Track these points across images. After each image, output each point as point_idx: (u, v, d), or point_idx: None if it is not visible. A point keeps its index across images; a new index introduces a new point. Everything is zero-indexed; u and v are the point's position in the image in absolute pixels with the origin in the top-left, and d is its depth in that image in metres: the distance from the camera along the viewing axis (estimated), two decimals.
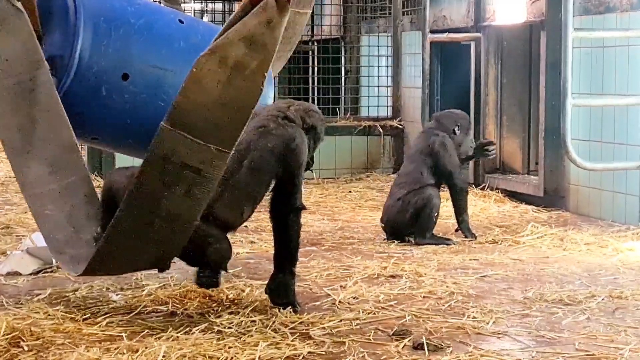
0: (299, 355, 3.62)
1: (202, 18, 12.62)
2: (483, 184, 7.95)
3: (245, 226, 4.78)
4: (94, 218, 4.23)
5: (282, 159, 4.17)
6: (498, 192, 7.69)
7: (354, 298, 4.48)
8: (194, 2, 13.91)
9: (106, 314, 4.12)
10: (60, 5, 4.67)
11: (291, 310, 4.15)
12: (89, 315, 4.11)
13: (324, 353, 3.67)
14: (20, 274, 4.86)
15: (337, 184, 8.83)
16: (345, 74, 11.19)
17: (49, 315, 4.12)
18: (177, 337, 3.79)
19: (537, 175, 7.64)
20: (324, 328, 3.96)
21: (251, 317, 4.05)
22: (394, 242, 5.98)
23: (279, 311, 4.13)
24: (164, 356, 3.54)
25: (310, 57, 11.94)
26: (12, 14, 4.17)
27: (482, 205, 7.29)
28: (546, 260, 5.46)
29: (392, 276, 4.97)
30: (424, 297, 4.55)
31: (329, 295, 4.55)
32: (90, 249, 4.03)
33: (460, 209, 6.12)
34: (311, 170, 5.25)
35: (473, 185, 7.85)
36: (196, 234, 3.97)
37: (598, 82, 6.81)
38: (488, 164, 8.09)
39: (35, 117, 4.20)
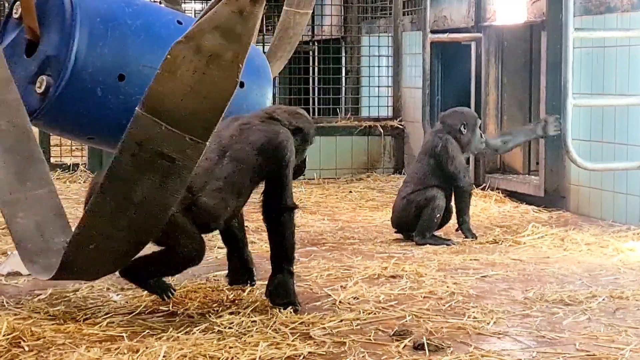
0: (300, 356, 3.62)
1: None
2: (484, 184, 7.95)
3: (246, 226, 4.78)
4: (62, 231, 4.26)
5: (264, 153, 4.17)
6: (499, 192, 7.69)
7: (354, 298, 4.48)
8: (195, 2, 13.91)
9: (107, 314, 4.12)
10: (57, 6, 4.67)
11: (292, 310, 4.15)
12: (90, 315, 4.11)
13: (324, 353, 3.67)
14: (21, 274, 4.85)
15: (338, 184, 8.83)
16: (346, 74, 11.19)
17: (50, 315, 4.12)
18: (178, 337, 3.79)
19: (537, 175, 7.63)
20: (324, 328, 3.96)
21: (252, 317, 4.05)
22: (395, 241, 5.99)
23: (279, 311, 4.13)
24: (164, 356, 3.54)
25: (311, 57, 11.94)
26: None
27: (482, 206, 7.29)
28: (547, 260, 5.46)
29: (393, 276, 4.97)
30: (424, 297, 4.55)
31: (330, 295, 4.55)
32: (59, 258, 4.02)
33: (461, 210, 6.12)
34: (303, 175, 5.24)
35: (474, 185, 7.84)
36: (171, 227, 3.96)
37: (599, 82, 6.81)
38: (489, 164, 8.09)
39: (2, 129, 4.28)
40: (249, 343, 3.71)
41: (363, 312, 4.22)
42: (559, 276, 5.02)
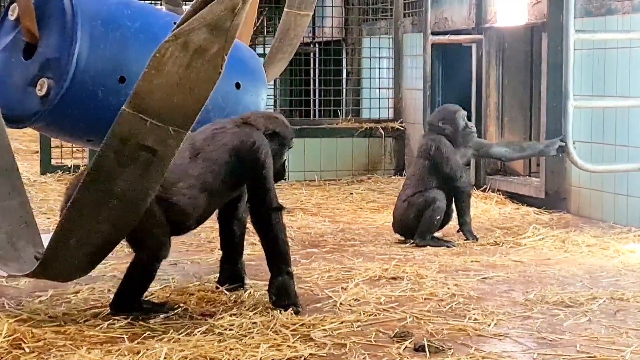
0: (300, 357, 3.62)
1: None
2: (484, 186, 7.96)
3: (247, 227, 4.78)
4: (33, 243, 4.29)
5: (238, 156, 4.23)
6: (499, 194, 7.69)
7: (355, 300, 4.48)
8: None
9: (107, 315, 4.12)
10: (57, 8, 4.65)
11: (293, 311, 4.15)
12: (90, 317, 4.11)
13: (325, 355, 3.67)
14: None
15: (339, 186, 8.83)
16: (347, 75, 11.19)
17: (50, 317, 4.12)
18: (179, 338, 3.79)
19: (538, 177, 7.63)
20: (325, 330, 3.96)
21: (252, 318, 4.05)
22: (396, 242, 5.99)
23: (280, 313, 4.12)
24: (165, 358, 3.54)
25: (312, 59, 11.94)
26: None
27: (483, 207, 7.29)
28: (547, 262, 5.46)
29: (394, 278, 4.97)
30: (425, 299, 4.54)
31: (330, 297, 4.55)
32: (33, 265, 4.04)
33: (461, 211, 6.12)
34: (285, 179, 5.25)
35: (475, 187, 7.84)
36: (147, 216, 3.99)
37: (599, 83, 6.81)
38: (490, 166, 8.09)
39: None
40: (250, 345, 3.71)
41: (364, 314, 4.22)
42: (559, 278, 5.02)
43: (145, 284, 4.22)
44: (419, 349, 3.71)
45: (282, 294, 4.24)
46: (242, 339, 3.79)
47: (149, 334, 3.87)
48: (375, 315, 4.23)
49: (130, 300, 4.17)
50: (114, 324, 4.00)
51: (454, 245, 5.91)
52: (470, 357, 3.64)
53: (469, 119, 6.47)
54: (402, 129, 9.63)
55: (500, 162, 8.07)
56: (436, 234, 6.10)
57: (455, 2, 8.66)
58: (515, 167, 8.14)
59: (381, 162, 9.56)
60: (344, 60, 11.27)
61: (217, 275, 4.75)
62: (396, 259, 5.43)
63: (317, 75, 11.66)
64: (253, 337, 3.81)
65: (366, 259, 5.47)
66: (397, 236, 6.15)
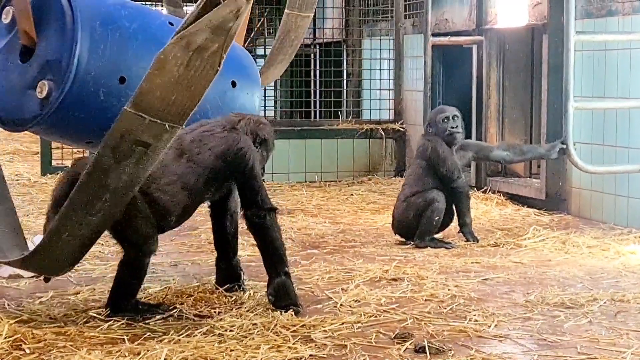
0: (301, 358, 3.62)
1: None
2: (485, 187, 7.96)
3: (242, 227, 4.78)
4: (19, 248, 4.31)
5: (224, 159, 4.27)
6: (500, 195, 7.69)
7: (355, 301, 4.48)
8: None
9: (108, 317, 4.12)
10: (56, 9, 4.63)
11: (293, 311, 4.16)
12: (91, 318, 4.11)
13: (325, 356, 3.67)
14: (22, 277, 4.86)
15: (339, 187, 8.83)
16: (347, 77, 11.20)
17: (51, 318, 4.12)
18: (179, 340, 3.79)
19: (539, 178, 7.63)
20: (325, 331, 3.96)
21: (252, 320, 4.05)
22: (397, 244, 5.99)
23: (280, 314, 4.12)
24: (165, 359, 3.54)
25: (312, 61, 11.94)
26: None
27: (484, 209, 7.29)
28: (548, 263, 5.46)
29: (394, 279, 4.97)
30: (425, 300, 4.54)
31: (331, 298, 4.55)
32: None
33: (461, 212, 6.12)
34: (262, 178, 5.30)
35: (475, 188, 7.85)
36: (130, 211, 4.02)
37: (600, 85, 6.81)
38: (490, 167, 8.09)
39: None
40: (250, 346, 3.71)
41: (364, 315, 4.21)
42: (560, 279, 5.02)
43: (136, 281, 4.21)
44: (420, 350, 3.71)
45: (282, 295, 4.24)
46: (242, 340, 3.79)
47: (149, 335, 3.87)
48: (376, 316, 4.22)
49: (123, 300, 4.17)
50: (114, 325, 4.00)
51: (453, 247, 5.91)
52: (471, 359, 3.64)
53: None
54: (402, 130, 9.63)
55: (501, 164, 8.07)
56: (437, 235, 6.10)
57: (456, 4, 8.66)
58: (515, 168, 8.14)
59: (382, 163, 9.56)
60: (345, 61, 11.27)
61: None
62: (397, 260, 5.43)
63: (317, 77, 11.67)
64: (253, 338, 3.81)
65: (366, 260, 5.47)
66: (398, 237, 6.15)
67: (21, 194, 8.00)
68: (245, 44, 12.03)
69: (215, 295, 4.50)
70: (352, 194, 8.33)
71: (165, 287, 4.65)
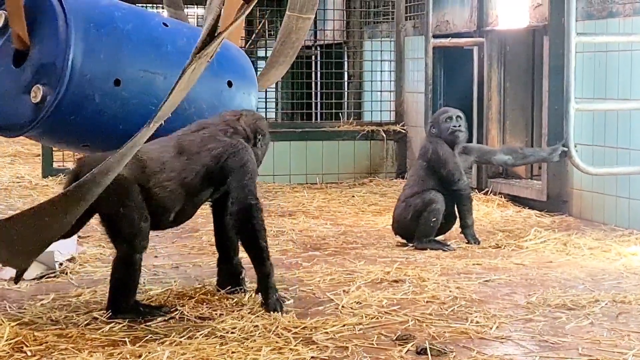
0: None
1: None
2: (486, 189, 7.96)
3: None
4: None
5: (218, 158, 4.33)
6: (501, 197, 7.69)
7: (357, 303, 4.48)
8: (197, 8, 13.92)
9: (109, 318, 4.12)
10: (49, 12, 4.58)
11: (282, 301, 4.26)
12: (92, 320, 4.11)
13: (327, 358, 3.67)
14: (24, 279, 4.85)
15: (340, 189, 8.83)
16: (348, 78, 11.20)
17: (52, 320, 4.12)
18: (180, 342, 3.79)
19: (540, 179, 7.63)
20: (327, 333, 3.96)
21: (254, 321, 4.05)
22: (398, 245, 5.99)
23: (282, 316, 4.13)
24: None
25: (313, 62, 11.95)
26: None
27: (485, 210, 7.29)
28: (549, 264, 5.45)
29: (395, 281, 4.97)
30: (427, 301, 4.54)
31: (332, 300, 4.55)
32: None
33: (462, 214, 6.11)
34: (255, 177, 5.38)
35: (476, 190, 7.85)
36: (127, 201, 4.10)
37: (601, 86, 6.81)
38: (491, 169, 8.09)
39: None
40: (252, 348, 3.71)
41: (366, 317, 4.22)
42: (561, 281, 5.02)
43: (131, 280, 4.21)
44: (421, 351, 3.71)
45: (264, 296, 4.30)
46: (243, 342, 3.79)
47: (151, 337, 3.87)
48: (377, 318, 4.22)
49: (123, 300, 4.17)
50: (116, 327, 4.00)
51: (452, 249, 5.90)
52: None
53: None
54: (403, 131, 9.63)
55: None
56: (439, 238, 6.10)
57: (457, 5, 8.66)
58: (516, 170, 8.14)
59: (383, 165, 9.56)
60: (346, 63, 11.27)
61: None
62: (398, 262, 5.43)
63: (318, 78, 11.67)
64: (255, 340, 3.81)
65: (368, 262, 5.47)
66: (399, 239, 6.15)
67: (22, 196, 8.00)
68: (246, 46, 12.09)
69: (216, 297, 4.50)
70: (353, 196, 8.33)
71: (167, 289, 4.66)
